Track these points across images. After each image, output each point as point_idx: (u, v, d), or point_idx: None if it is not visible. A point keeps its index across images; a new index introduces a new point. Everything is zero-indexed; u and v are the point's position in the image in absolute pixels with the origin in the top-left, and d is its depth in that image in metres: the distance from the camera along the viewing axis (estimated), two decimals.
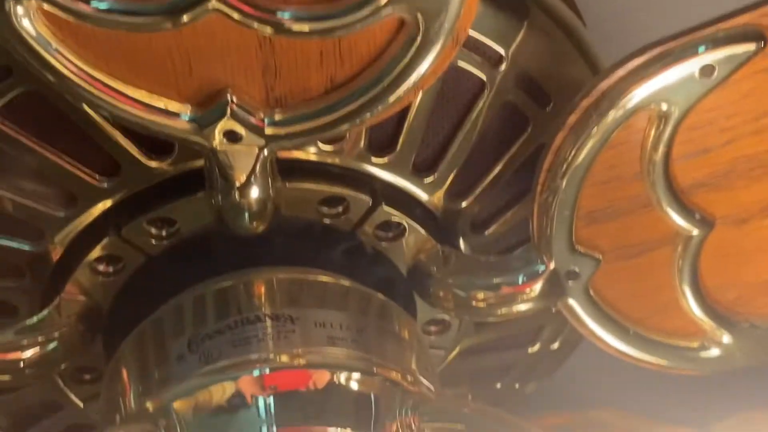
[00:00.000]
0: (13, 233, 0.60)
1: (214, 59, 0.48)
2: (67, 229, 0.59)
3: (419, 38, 0.46)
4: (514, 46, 0.58)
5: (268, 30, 0.45)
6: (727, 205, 0.58)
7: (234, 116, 0.49)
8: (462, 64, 0.57)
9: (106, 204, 0.58)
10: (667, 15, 0.90)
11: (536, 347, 0.74)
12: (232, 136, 0.49)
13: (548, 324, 0.72)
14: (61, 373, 0.65)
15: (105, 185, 0.57)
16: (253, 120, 0.49)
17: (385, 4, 0.44)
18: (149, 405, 0.55)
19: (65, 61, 0.47)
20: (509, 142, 0.61)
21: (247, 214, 0.55)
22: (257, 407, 0.53)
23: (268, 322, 0.56)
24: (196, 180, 0.56)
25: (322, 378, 0.54)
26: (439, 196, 0.62)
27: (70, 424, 0.71)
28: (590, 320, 0.61)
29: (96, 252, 0.59)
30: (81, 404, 0.68)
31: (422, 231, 0.61)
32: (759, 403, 0.56)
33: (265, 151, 0.52)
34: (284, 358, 0.55)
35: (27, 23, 0.45)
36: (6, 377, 0.62)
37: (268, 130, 0.50)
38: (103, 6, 0.44)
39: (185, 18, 0.44)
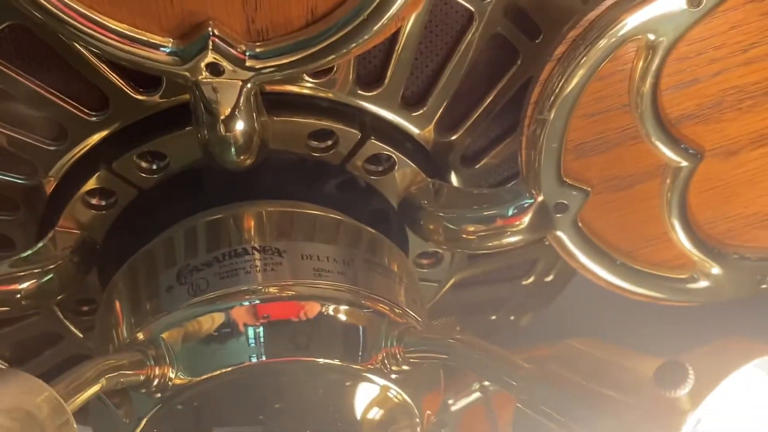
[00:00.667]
0: (6, 167, 0.60)
1: None
2: (59, 163, 0.59)
3: None
4: None
5: None
6: (716, 137, 0.58)
7: (216, 49, 0.49)
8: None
9: (96, 138, 0.58)
10: None
11: (530, 280, 0.74)
12: (214, 69, 0.49)
13: (542, 257, 0.72)
14: (60, 305, 0.66)
15: (94, 119, 0.57)
16: (234, 52, 0.49)
17: None
18: (140, 335, 0.55)
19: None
20: (499, 75, 0.60)
21: (233, 148, 0.55)
22: (247, 337, 0.54)
23: (256, 255, 0.56)
24: (185, 114, 0.56)
25: (312, 309, 0.54)
26: (429, 129, 0.62)
27: (71, 354, 0.71)
28: (579, 252, 0.62)
29: (88, 185, 0.59)
30: (80, 335, 0.69)
31: (412, 164, 0.61)
32: (736, 332, 0.57)
33: (249, 84, 0.52)
34: (271, 290, 0.55)
35: None
36: (4, 308, 0.62)
37: (250, 63, 0.50)
38: None
39: None
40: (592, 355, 0.52)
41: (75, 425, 0.47)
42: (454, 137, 0.63)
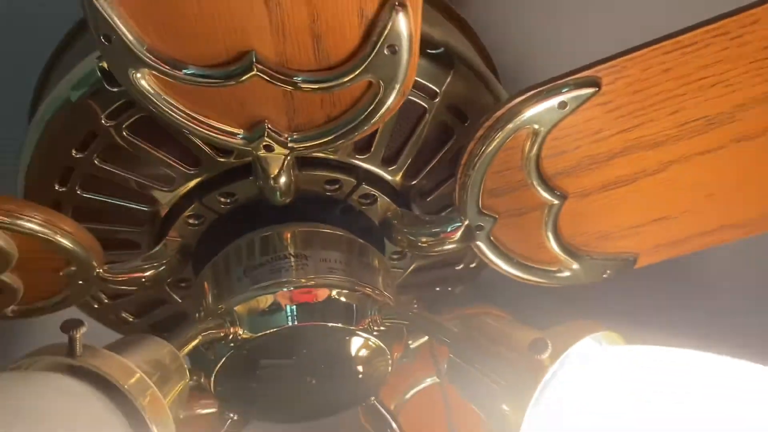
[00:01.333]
0: (138, 201, 0.61)
1: (257, 103, 0.50)
2: (170, 198, 0.61)
3: (381, 93, 0.48)
4: (444, 85, 0.58)
5: (288, 87, 0.47)
6: (576, 186, 0.58)
7: (269, 136, 0.51)
8: (411, 97, 0.56)
9: (193, 183, 0.60)
10: (548, 66, 0.89)
11: (461, 266, 0.74)
12: (268, 148, 0.52)
13: (468, 253, 0.69)
14: (168, 283, 0.67)
15: (192, 172, 0.59)
16: (280, 139, 0.51)
17: (359, 74, 0.46)
18: (220, 308, 0.59)
19: (167, 104, 0.49)
20: (442, 145, 0.62)
21: (278, 193, 0.58)
22: (286, 311, 0.58)
23: (291, 259, 0.59)
24: (248, 170, 0.58)
25: (323, 293, 0.58)
26: (399, 177, 0.63)
27: (173, 312, 0.72)
28: (490, 254, 0.62)
29: (188, 212, 0.61)
30: (180, 300, 0.70)
31: (388, 199, 0.63)
32: (585, 316, 0.59)
33: (288, 157, 0.54)
34: (302, 281, 0.58)
35: (144, 83, 0.47)
36: (134, 287, 0.64)
37: (290, 145, 0.52)
38: (189, 72, 0.46)
39: (240, 79, 0.46)
40: (496, 325, 0.56)
41: (186, 366, 0.52)
42: (414, 182, 0.64)
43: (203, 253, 0.63)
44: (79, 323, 0.45)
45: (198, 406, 0.67)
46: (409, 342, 0.66)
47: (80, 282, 0.59)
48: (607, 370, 0.49)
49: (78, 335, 0.43)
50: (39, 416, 0.39)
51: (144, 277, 0.62)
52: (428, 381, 0.74)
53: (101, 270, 0.58)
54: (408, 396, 0.76)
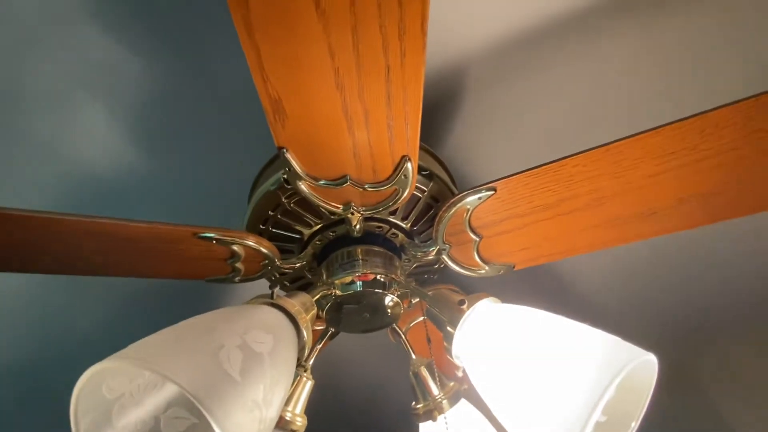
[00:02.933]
0: (294, 233, 0.60)
1: (349, 195, 0.51)
2: (308, 233, 0.60)
3: (399, 193, 0.50)
4: (428, 187, 0.57)
5: (361, 189, 0.49)
6: (487, 232, 0.57)
7: (353, 209, 0.53)
8: (415, 193, 0.57)
9: (318, 227, 0.59)
10: (478, 173, 0.81)
11: (436, 266, 0.69)
12: (352, 214, 0.53)
13: (439, 261, 0.62)
14: (305, 267, 0.63)
15: (319, 222, 0.58)
16: (357, 210, 0.53)
17: (391, 185, 0.48)
18: (329, 281, 0.59)
19: (311, 195, 0.50)
20: (427, 212, 0.60)
21: (355, 232, 0.57)
22: (357, 283, 0.58)
23: (360, 262, 0.59)
24: (342, 222, 0.58)
25: (372, 276, 0.58)
26: (408, 225, 0.61)
27: (305, 283, 0.66)
28: (449, 262, 0.61)
29: (316, 239, 0.59)
30: (310, 277, 0.65)
31: (403, 235, 0.61)
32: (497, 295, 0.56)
33: (361, 217, 0.54)
34: (364, 271, 0.58)
35: (301, 185, 0.49)
36: (290, 271, 0.62)
37: (362, 211, 0.54)
38: (320, 182, 0.48)
39: (342, 186, 0.48)
40: (448, 292, 0.57)
41: (314, 305, 0.51)
42: (415, 228, 0.62)
43: (322, 256, 0.61)
44: (274, 286, 0.49)
45: (316, 324, 0.64)
46: (412, 300, 0.65)
47: (269, 268, 0.58)
48: (492, 314, 0.49)
49: (274, 290, 0.48)
50: (257, 322, 0.39)
51: (296, 266, 0.61)
52: (419, 319, 0.69)
53: (279, 263, 0.58)
54: (410, 325, 0.71)
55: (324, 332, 0.62)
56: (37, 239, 0.44)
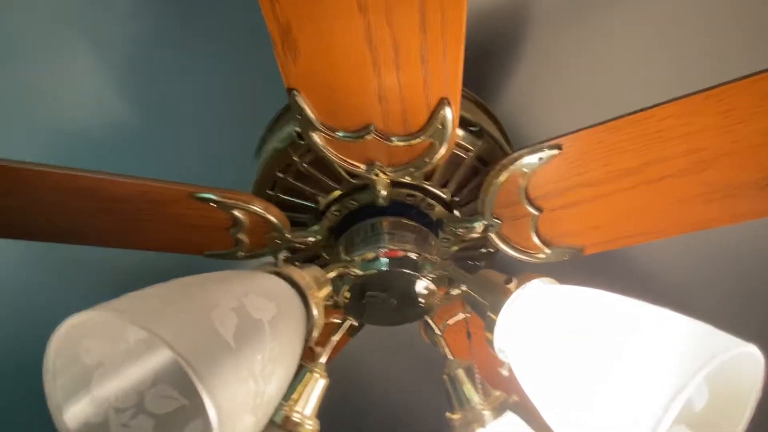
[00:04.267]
0: (308, 200, 0.62)
1: (372, 151, 0.52)
2: (325, 201, 0.61)
3: (436, 147, 0.50)
4: (476, 147, 0.58)
5: (389, 143, 0.50)
6: (548, 205, 0.57)
7: (378, 169, 0.54)
8: (457, 152, 0.57)
9: (337, 193, 0.61)
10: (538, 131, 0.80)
11: (484, 250, 0.71)
12: (377, 175, 0.54)
13: (487, 243, 0.66)
14: (321, 243, 0.65)
15: (337, 187, 0.60)
16: (384, 170, 0.54)
17: (425, 138, 0.48)
18: (347, 258, 0.61)
19: (327, 150, 0.51)
20: (473, 178, 0.61)
21: (380, 199, 0.58)
22: (382, 261, 0.59)
23: (386, 236, 0.60)
24: (365, 188, 0.59)
25: (401, 253, 0.59)
26: (448, 195, 0.62)
27: (321, 262, 0.67)
28: (498, 242, 0.63)
29: (333, 208, 0.62)
30: (327, 257, 0.67)
31: (441, 207, 0.62)
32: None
33: (387, 180, 0.56)
34: (391, 247, 0.59)
35: (316, 139, 0.50)
36: (302, 246, 0.64)
37: (389, 173, 0.55)
38: (339, 134, 0.49)
39: (365, 138, 0.49)
40: (490, 273, 0.57)
41: (329, 281, 0.53)
42: (456, 198, 0.63)
43: (340, 230, 0.63)
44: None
45: (330, 316, 0.65)
46: (450, 291, 0.64)
47: (277, 242, 0.60)
48: (546, 296, 0.49)
49: (280, 257, 0.50)
50: (258, 287, 0.40)
51: (309, 241, 0.63)
52: (460, 316, 0.70)
53: (289, 235, 0.59)
54: (448, 323, 0.71)
55: (341, 323, 0.64)
56: (10, 193, 0.47)
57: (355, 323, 0.67)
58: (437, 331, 0.64)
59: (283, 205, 0.59)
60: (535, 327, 0.45)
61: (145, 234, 0.59)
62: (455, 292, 0.62)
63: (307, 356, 0.59)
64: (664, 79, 0.78)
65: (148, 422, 0.34)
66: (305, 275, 0.47)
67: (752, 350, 0.34)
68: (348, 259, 0.59)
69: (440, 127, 0.46)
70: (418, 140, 0.49)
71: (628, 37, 0.76)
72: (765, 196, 0.53)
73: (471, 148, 0.57)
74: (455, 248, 0.68)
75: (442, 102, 0.45)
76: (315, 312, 0.45)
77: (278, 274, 0.45)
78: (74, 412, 0.31)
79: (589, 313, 0.41)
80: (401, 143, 0.49)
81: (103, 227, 0.58)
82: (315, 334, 0.46)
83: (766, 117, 0.47)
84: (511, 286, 0.48)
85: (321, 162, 0.55)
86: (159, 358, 0.36)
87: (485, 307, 0.50)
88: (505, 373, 0.47)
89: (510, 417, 0.57)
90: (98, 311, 0.29)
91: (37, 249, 0.89)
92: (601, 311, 0.41)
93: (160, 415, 0.35)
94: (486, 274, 0.56)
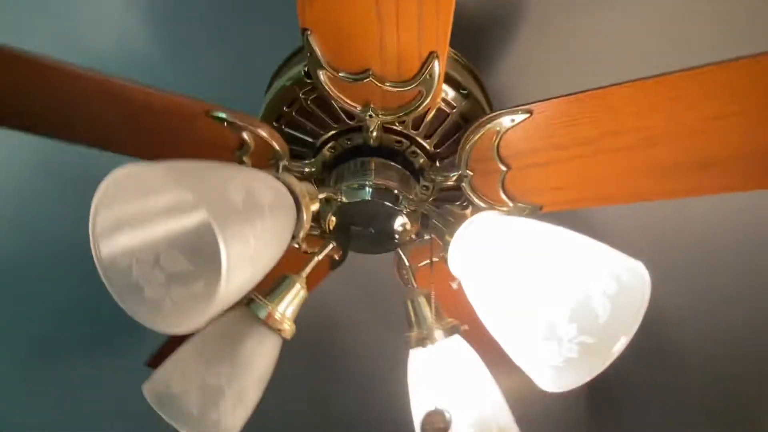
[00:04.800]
0: (309, 136, 0.66)
1: (368, 93, 0.55)
2: (323, 137, 0.66)
3: (423, 96, 0.54)
4: (460, 105, 0.62)
5: (383, 87, 0.54)
6: (516, 163, 0.61)
7: (371, 110, 0.57)
8: (443, 107, 0.61)
9: (334, 132, 0.64)
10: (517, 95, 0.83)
11: (463, 202, 0.70)
12: (370, 116, 0.58)
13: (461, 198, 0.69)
14: (315, 175, 0.68)
15: (335, 126, 0.63)
16: (377, 112, 0.57)
17: (415, 86, 0.53)
18: (337, 186, 0.64)
19: (330, 89, 0.55)
20: (454, 133, 0.65)
21: (371, 140, 0.62)
22: (366, 191, 0.63)
23: (373, 173, 0.64)
24: (359, 129, 0.63)
25: (382, 186, 0.62)
26: (431, 146, 0.66)
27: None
28: (470, 192, 0.66)
29: (329, 145, 0.66)
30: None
31: (424, 156, 0.67)
32: None
33: (379, 122, 0.59)
34: (377, 182, 0.63)
35: (322, 77, 0.54)
36: (299, 175, 0.66)
37: (381, 116, 0.58)
38: (341, 74, 0.53)
39: (363, 81, 0.53)
40: (455, 207, 0.63)
41: (318, 196, 0.56)
42: (438, 150, 0.67)
43: (333, 165, 0.67)
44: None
45: (311, 245, 0.70)
46: (425, 235, 0.69)
47: (277, 169, 0.63)
48: (495, 224, 0.53)
49: (280, 163, 0.56)
50: (261, 178, 0.44)
51: (305, 171, 0.67)
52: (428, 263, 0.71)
53: (288, 163, 0.63)
54: (420, 265, 0.73)
55: (323, 246, 0.67)
56: (44, 88, 0.51)
57: (336, 256, 0.72)
58: (406, 263, 0.71)
59: (285, 138, 0.62)
60: (481, 247, 0.51)
61: (162, 146, 0.64)
62: (428, 237, 0.68)
63: (292, 270, 0.67)
64: (658, 52, 0.81)
65: (161, 275, 0.41)
66: (301, 186, 0.52)
67: (639, 267, 0.41)
68: (337, 187, 0.64)
69: (428, 77, 0.51)
70: (408, 87, 0.53)
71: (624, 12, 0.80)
72: (703, 176, 0.61)
73: (456, 106, 0.62)
74: (432, 198, 0.72)
75: (432, 55, 0.49)
76: (304, 216, 0.51)
77: (278, 178, 0.50)
78: (107, 247, 0.38)
79: (525, 237, 0.48)
80: (394, 89, 0.53)
81: (124, 135, 0.64)
82: (301, 234, 0.51)
83: (708, 106, 0.53)
84: (467, 212, 0.55)
85: (323, 101, 0.59)
86: (178, 224, 0.42)
87: (445, 232, 0.58)
88: (455, 286, 0.55)
89: (458, 338, 0.64)
90: (150, 168, 0.35)
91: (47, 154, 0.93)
92: (534, 236, 0.48)
93: (171, 272, 0.41)
94: (449, 208, 0.62)
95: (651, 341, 1.63)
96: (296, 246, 0.56)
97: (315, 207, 0.55)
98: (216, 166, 0.41)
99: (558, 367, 0.43)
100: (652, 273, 0.41)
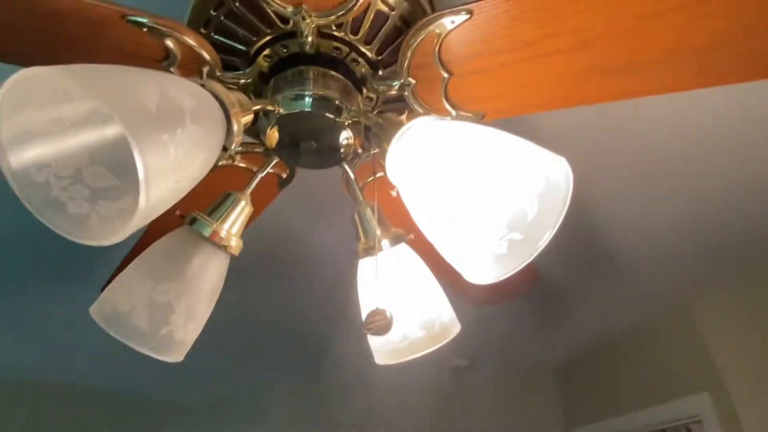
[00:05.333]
0: (241, 43, 0.63)
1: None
2: (256, 45, 0.62)
3: None
4: (401, 8, 0.60)
5: None
6: (457, 69, 0.60)
7: (304, 11, 0.56)
8: (381, 9, 0.60)
9: (268, 38, 0.62)
10: None
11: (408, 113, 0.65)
12: (302, 18, 0.56)
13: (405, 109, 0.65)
14: (251, 88, 0.66)
15: (268, 32, 0.61)
16: (309, 13, 0.56)
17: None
18: (275, 96, 0.62)
19: None
20: (396, 38, 0.64)
21: (307, 47, 0.61)
22: (305, 102, 0.60)
23: (311, 83, 0.62)
24: (294, 35, 0.61)
25: (320, 96, 0.61)
26: (372, 53, 0.65)
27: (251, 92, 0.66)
28: (412, 101, 0.65)
29: (264, 53, 0.63)
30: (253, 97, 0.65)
31: (366, 64, 0.66)
32: None
33: (313, 25, 0.58)
34: (317, 92, 0.62)
35: None
36: (235, 87, 0.64)
37: (314, 18, 0.57)
38: None
39: None
40: (394, 114, 0.60)
41: (251, 105, 0.54)
42: (380, 57, 0.66)
43: (270, 75, 0.65)
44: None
45: (255, 163, 0.69)
46: (371, 149, 0.70)
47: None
48: (431, 128, 0.53)
49: (204, 70, 0.54)
50: (181, 84, 0.41)
51: (239, 83, 0.65)
52: (373, 177, 0.72)
53: (220, 74, 0.60)
54: (368, 181, 0.74)
55: (266, 163, 0.68)
56: None
57: (284, 174, 0.75)
58: (351, 176, 0.70)
59: (215, 47, 0.59)
60: (415, 152, 0.51)
61: (78, 59, 0.59)
62: (374, 152, 0.68)
63: (237, 187, 0.67)
64: None
65: (86, 191, 0.40)
66: (230, 94, 0.49)
67: (563, 163, 0.42)
68: (274, 97, 0.61)
69: None
70: None
71: None
72: (635, 78, 0.62)
73: (395, 8, 0.60)
74: (377, 112, 0.71)
75: None
76: (235, 126, 0.48)
77: (203, 86, 0.47)
78: (17, 158, 0.35)
79: (458, 140, 0.48)
80: None
81: (34, 47, 0.59)
82: (233, 146, 0.49)
83: (642, 4, 0.54)
84: (403, 118, 0.55)
85: (252, 3, 0.57)
86: (95, 136, 0.40)
87: (383, 140, 0.57)
88: (393, 194, 0.55)
89: (404, 246, 0.67)
90: (53, 69, 0.32)
91: None
92: (467, 139, 0.48)
93: (97, 188, 0.40)
94: (387, 115, 0.60)
95: (595, 248, 1.76)
96: (232, 161, 0.55)
97: (248, 118, 0.53)
98: (129, 70, 0.38)
99: (487, 263, 0.45)
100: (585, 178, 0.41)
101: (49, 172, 0.38)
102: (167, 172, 0.35)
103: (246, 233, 0.66)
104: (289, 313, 2.09)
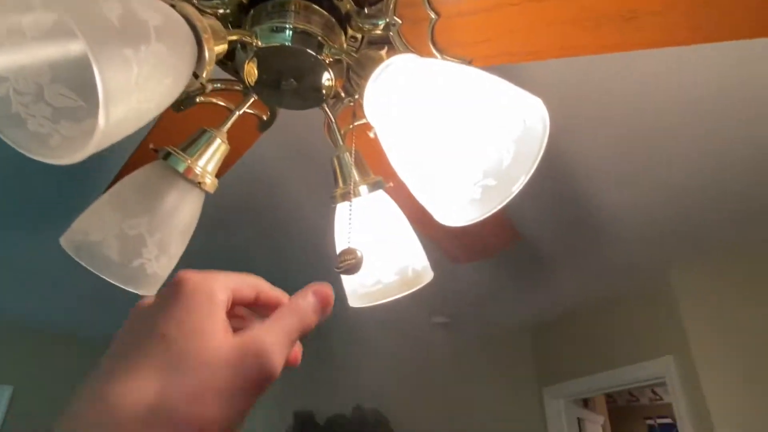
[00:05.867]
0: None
1: None
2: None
3: None
4: None
5: None
6: (446, 11, 0.63)
7: None
8: None
9: None
10: None
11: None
12: None
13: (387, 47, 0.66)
14: (230, 19, 0.64)
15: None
16: None
17: None
18: (253, 28, 0.59)
19: None
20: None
21: None
22: (286, 34, 0.59)
23: (293, 14, 0.58)
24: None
25: (300, 30, 0.59)
26: None
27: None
28: (397, 41, 0.65)
29: None
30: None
31: (353, 3, 0.63)
32: None
33: None
34: (297, 23, 0.59)
35: None
36: (214, 17, 0.61)
37: None
38: None
39: None
40: (375, 51, 0.57)
41: (225, 34, 0.52)
42: None
43: (249, 6, 0.62)
44: None
45: (234, 101, 0.67)
46: (354, 94, 0.68)
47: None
48: (411, 66, 0.52)
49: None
50: (150, 1, 0.38)
51: (218, 13, 0.62)
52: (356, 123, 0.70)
53: (196, 1, 0.59)
54: (350, 127, 0.71)
55: (244, 101, 0.67)
56: None
57: (264, 116, 0.73)
58: (333, 122, 0.69)
59: None
60: (394, 91, 0.50)
61: None
62: (357, 96, 0.64)
63: (213, 124, 0.65)
64: None
65: (47, 109, 0.38)
66: (202, 19, 0.47)
67: (540, 105, 0.41)
68: (252, 29, 0.59)
69: None
70: None
71: None
72: (628, 29, 0.61)
73: None
74: (362, 50, 0.68)
75: None
76: (206, 53, 0.46)
77: (173, 6, 0.44)
78: None
79: (438, 80, 0.47)
80: None
81: None
82: (204, 73, 0.47)
83: None
84: (383, 53, 0.54)
85: None
86: (58, 52, 0.38)
87: (361, 76, 0.56)
88: (371, 135, 0.54)
89: (381, 193, 0.66)
90: None
91: None
92: (448, 79, 0.47)
93: (59, 107, 0.38)
94: (366, 51, 0.59)
95: (578, 214, 1.78)
96: (205, 94, 0.53)
97: (222, 47, 0.51)
98: None
99: (459, 206, 0.45)
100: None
101: (9, 87, 0.37)
102: (129, 89, 0.34)
103: (225, 180, 0.66)
104: (271, 258, 2.10)
